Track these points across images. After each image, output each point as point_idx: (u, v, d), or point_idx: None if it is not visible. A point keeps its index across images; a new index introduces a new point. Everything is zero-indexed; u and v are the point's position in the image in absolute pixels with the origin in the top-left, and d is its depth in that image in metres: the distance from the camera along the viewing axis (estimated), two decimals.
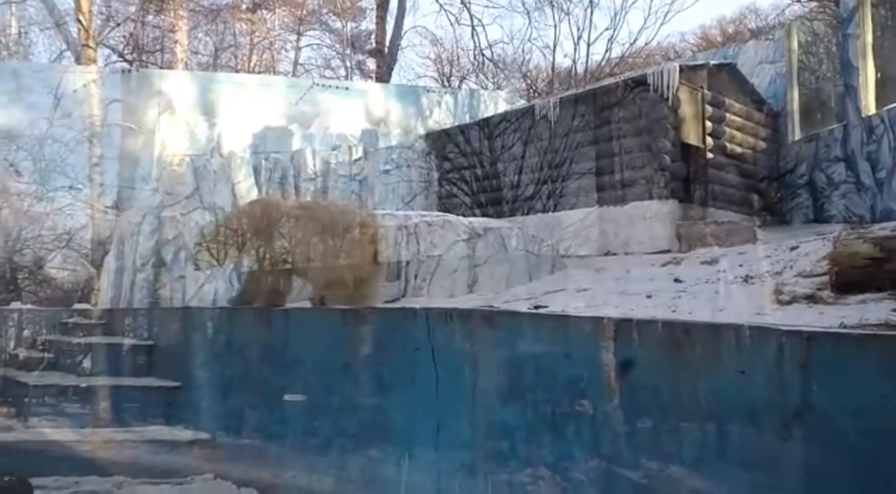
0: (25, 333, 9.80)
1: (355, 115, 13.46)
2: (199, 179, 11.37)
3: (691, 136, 10.82)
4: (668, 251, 10.17)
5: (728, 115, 11.55)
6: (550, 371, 4.00)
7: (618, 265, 9.61)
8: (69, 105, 11.51)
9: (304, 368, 6.31)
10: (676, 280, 7.72)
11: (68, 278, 12.19)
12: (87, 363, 8.12)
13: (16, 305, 10.38)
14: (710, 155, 11.13)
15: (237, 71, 21.76)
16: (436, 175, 14.15)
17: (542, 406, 4.00)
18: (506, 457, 4.19)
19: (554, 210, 11.73)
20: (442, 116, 14.48)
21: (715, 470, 3.17)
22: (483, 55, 21.51)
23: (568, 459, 3.83)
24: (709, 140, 11.12)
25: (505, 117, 12.80)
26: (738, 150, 11.86)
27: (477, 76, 23.55)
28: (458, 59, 23.98)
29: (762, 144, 12.53)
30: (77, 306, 9.87)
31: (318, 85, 13.77)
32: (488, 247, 9.56)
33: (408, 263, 9.47)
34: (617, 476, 3.57)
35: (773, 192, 12.47)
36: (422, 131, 13.97)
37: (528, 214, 12.15)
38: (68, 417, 7.38)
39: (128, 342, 8.32)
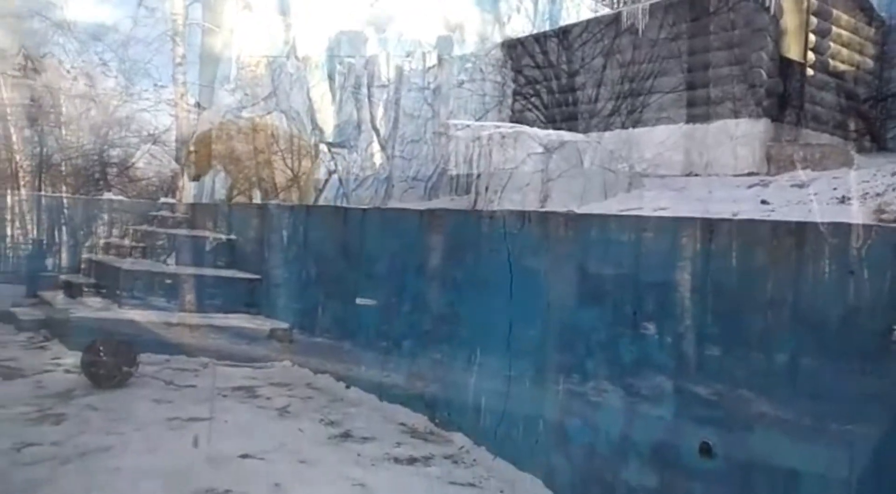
0: (116, 223, 10.37)
1: (431, 20, 13.03)
2: (275, 81, 11.40)
3: (792, 49, 10.01)
4: (756, 174, 9.67)
5: (834, 28, 10.60)
6: (632, 274, 3.93)
7: (700, 186, 9.23)
8: (152, 2, 11.59)
9: (379, 266, 6.44)
10: (763, 202, 7.36)
11: (155, 175, 12.73)
12: (173, 254, 8.54)
13: (108, 196, 10.93)
14: (810, 72, 10.31)
15: None
16: (510, 89, 13.73)
17: (620, 309, 3.96)
18: (581, 358, 4.22)
19: (634, 127, 11.25)
20: (521, 24, 13.87)
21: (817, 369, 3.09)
22: None
23: (646, 364, 3.81)
24: (810, 55, 10.27)
25: (587, 27, 12.14)
26: (842, 67, 10.93)
27: None
28: None
29: (868, 63, 11.50)
30: (163, 200, 10.33)
31: None
32: (563, 162, 9.30)
33: (479, 175, 9.36)
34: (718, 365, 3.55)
35: (874, 115, 11.55)
36: (498, 40, 13.46)
37: (605, 131, 11.69)
38: (157, 302, 7.85)
39: (211, 235, 8.68)
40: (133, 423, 5.02)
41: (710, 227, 3.53)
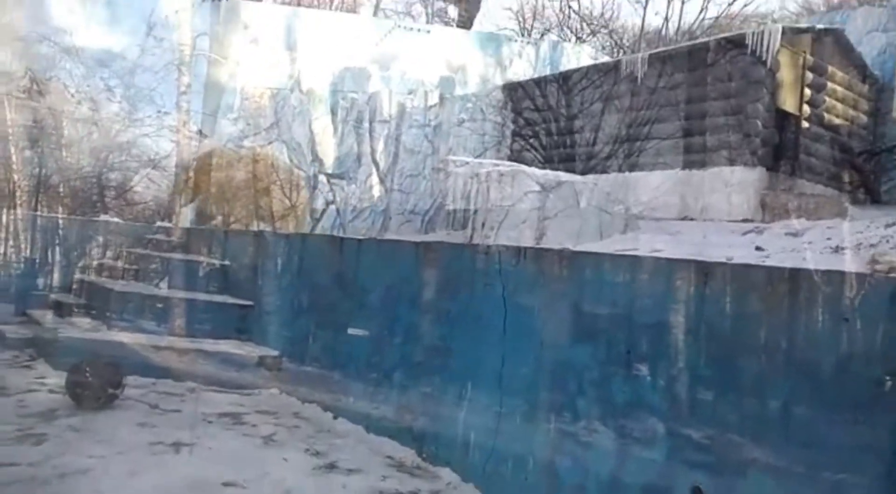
0: (111, 245, 10.34)
1: (434, 60, 13.29)
2: (278, 113, 11.55)
3: (787, 102, 10.23)
4: (751, 221, 9.76)
5: (829, 83, 10.86)
6: (625, 314, 3.93)
7: (695, 230, 9.31)
8: (161, 32, 11.79)
9: (373, 296, 6.42)
10: (758, 248, 7.42)
11: (152, 199, 12.75)
12: (166, 278, 8.51)
13: (104, 218, 10.93)
14: (805, 124, 10.52)
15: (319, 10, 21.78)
16: (509, 130, 13.93)
17: (614, 349, 3.95)
18: (572, 396, 4.18)
19: (631, 171, 11.39)
20: (522, 68, 14.14)
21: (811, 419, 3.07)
22: (570, 7, 20.79)
23: (638, 405, 3.78)
24: (805, 108, 10.50)
25: (586, 73, 12.39)
26: (836, 121, 11.17)
27: (561, 30, 22.83)
28: (542, 10, 23.25)
29: (862, 118, 11.75)
30: (159, 224, 10.33)
31: (399, 27, 13.64)
32: (560, 201, 9.39)
33: (476, 211, 9.43)
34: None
35: (868, 169, 11.73)
36: (500, 82, 13.71)
37: (602, 174, 11.82)
38: (147, 325, 7.79)
39: (205, 260, 8.66)
40: (115, 446, 4.92)
41: (705, 270, 3.55)
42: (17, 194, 14.01)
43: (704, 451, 3.43)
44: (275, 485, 4.54)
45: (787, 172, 10.37)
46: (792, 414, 3.19)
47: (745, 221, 9.60)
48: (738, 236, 8.59)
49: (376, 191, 12.32)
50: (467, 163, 9.84)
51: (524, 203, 9.16)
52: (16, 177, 14.06)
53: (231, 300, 8.21)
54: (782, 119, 10.28)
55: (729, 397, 3.40)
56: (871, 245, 5.91)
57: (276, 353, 7.46)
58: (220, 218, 10.38)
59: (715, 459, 3.37)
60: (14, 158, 14.19)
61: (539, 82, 13.28)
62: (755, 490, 3.24)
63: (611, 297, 4.06)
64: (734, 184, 10.04)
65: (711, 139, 10.29)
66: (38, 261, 11.60)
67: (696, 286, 3.57)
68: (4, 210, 13.75)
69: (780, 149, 10.34)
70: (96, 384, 5.79)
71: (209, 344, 7.53)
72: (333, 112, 12.20)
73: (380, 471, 5.16)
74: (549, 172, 9.73)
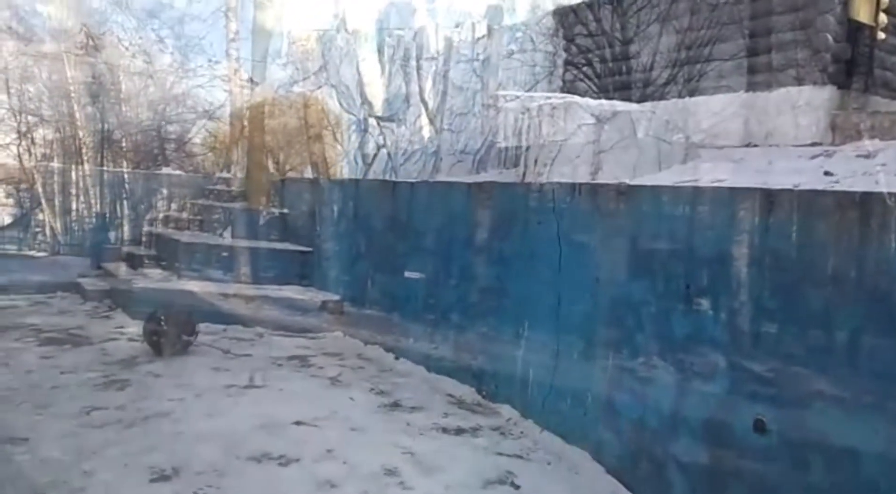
0: (174, 197, 10.71)
1: None
2: (325, 55, 11.46)
3: (861, 12, 9.45)
4: (819, 144, 9.23)
5: None
6: (685, 247, 3.84)
7: (759, 157, 8.87)
8: None
9: (427, 239, 6.47)
10: (827, 173, 7.02)
11: (210, 150, 13.05)
12: (228, 227, 8.77)
13: (166, 171, 11.28)
14: (881, 35, 9.73)
15: None
16: (561, 60, 13.40)
17: (673, 283, 3.88)
18: (631, 332, 4.16)
19: (691, 96, 10.84)
20: None
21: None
22: None
23: (698, 339, 3.73)
24: (882, 17, 9.68)
25: None
26: None
27: None
28: None
29: None
30: (219, 175, 10.58)
31: None
32: (616, 132, 9.05)
33: (528, 148, 9.23)
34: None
35: None
36: (550, 8, 13.13)
37: (660, 100, 11.31)
38: (214, 274, 8.10)
39: (265, 209, 8.87)
40: (192, 389, 5.23)
41: (769, 198, 3.40)
42: (84, 150, 14.54)
43: (768, 384, 3.38)
44: (342, 423, 4.75)
45: (859, 89, 9.68)
46: (861, 344, 3.08)
47: (813, 144, 9.09)
48: (806, 160, 8.15)
49: (426, 132, 12.20)
50: (518, 97, 9.58)
51: (578, 137, 8.88)
52: (81, 134, 14.56)
53: (291, 247, 8.43)
54: (855, 31, 9.52)
55: (794, 329, 3.30)
56: None
57: (337, 297, 7.67)
58: (275, 166, 10.54)
59: (779, 391, 3.31)
60: (77, 115, 14.66)
61: (592, 5, 12.65)
62: (821, 422, 3.18)
63: (669, 230, 3.96)
64: (802, 105, 9.44)
65: (777, 57, 9.65)
66: (107, 215, 12.14)
67: (760, 216, 3.43)
68: (73, 167, 14.33)
69: (853, 64, 9.64)
70: (172, 332, 6.11)
71: (273, 290, 7.80)
72: (380, 51, 12.02)
73: (441, 409, 5.32)
74: (603, 102, 9.37)
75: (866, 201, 3.17)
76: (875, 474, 2.87)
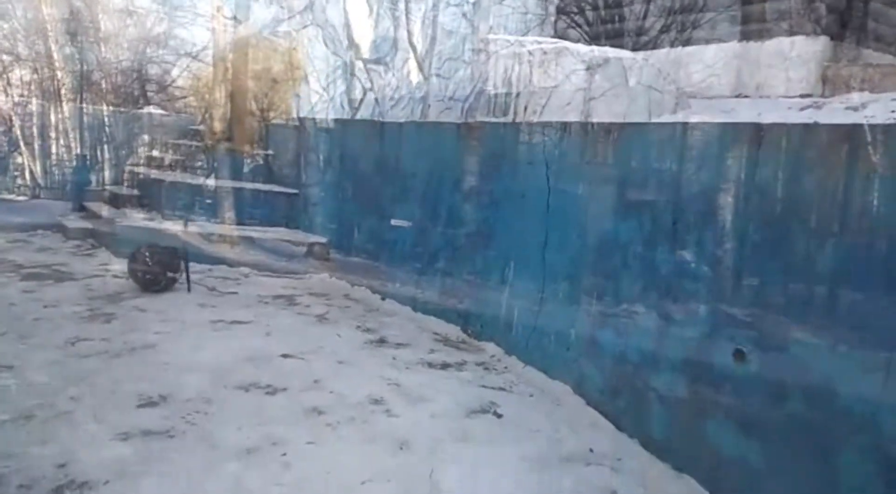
0: (157, 138, 10.49)
1: None
2: None
3: None
4: (810, 96, 9.20)
5: None
6: (674, 183, 3.83)
7: (749, 108, 8.83)
8: None
9: (415, 180, 6.42)
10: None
11: (194, 91, 12.75)
12: (213, 168, 8.65)
13: (147, 110, 11.03)
14: None
15: None
16: (553, 6, 13.12)
17: (660, 221, 3.89)
18: (618, 270, 4.20)
19: (684, 46, 10.70)
20: None
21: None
22: None
23: (682, 274, 3.77)
24: None
25: None
26: None
27: None
28: None
29: None
30: (202, 115, 10.37)
31: None
32: (607, 80, 8.94)
33: (518, 94, 9.12)
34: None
35: None
36: None
37: (653, 49, 11.14)
38: (198, 214, 8.02)
39: (250, 151, 8.74)
40: (179, 324, 5.23)
41: (760, 132, 3.38)
42: (62, 91, 14.17)
43: (748, 323, 3.42)
44: (329, 356, 4.80)
45: (852, 42, 9.62)
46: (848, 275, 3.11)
47: (803, 96, 9.07)
48: (796, 111, 8.15)
49: (414, 77, 11.97)
50: (509, 42, 9.42)
51: (569, 84, 8.79)
52: (59, 74, 14.16)
53: (277, 189, 8.35)
54: None
55: (781, 266, 3.32)
56: None
57: (324, 240, 7.64)
58: (259, 109, 10.33)
59: (759, 327, 3.36)
60: (55, 54, 14.23)
61: None
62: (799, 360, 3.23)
63: (659, 168, 3.95)
64: (794, 56, 9.36)
65: (771, 7, 9.53)
66: (88, 157, 11.91)
67: (749, 151, 3.41)
68: (52, 108, 13.98)
69: (847, 16, 9.55)
70: (157, 268, 6.07)
71: (259, 232, 7.75)
72: None
73: (427, 345, 5.38)
74: (595, 48, 9.21)
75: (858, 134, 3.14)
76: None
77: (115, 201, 8.97)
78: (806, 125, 3.33)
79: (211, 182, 8.41)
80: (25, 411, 3.49)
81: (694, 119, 6.53)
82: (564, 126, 4.90)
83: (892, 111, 7.31)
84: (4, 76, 14.69)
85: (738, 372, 3.29)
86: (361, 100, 11.46)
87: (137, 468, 3.06)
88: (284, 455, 3.30)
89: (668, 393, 3.78)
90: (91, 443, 3.25)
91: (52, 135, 14.15)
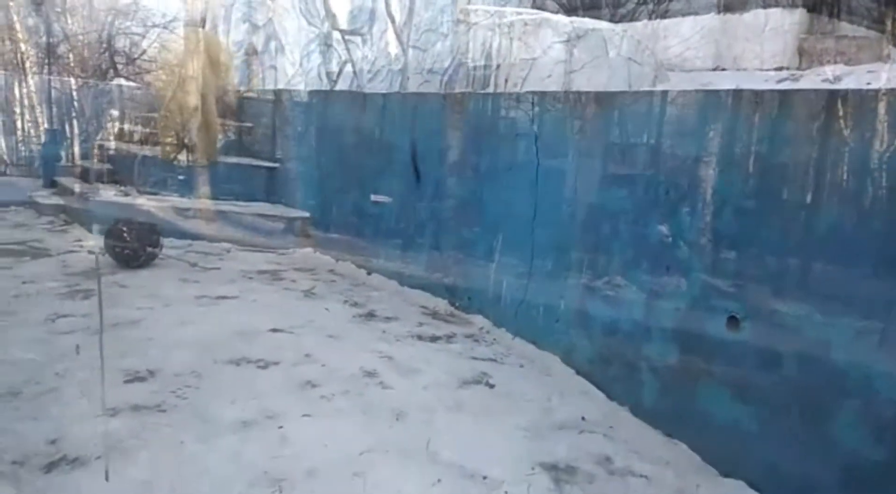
0: (128, 111, 10.21)
1: None
2: None
3: None
4: (786, 69, 9.28)
5: None
6: (667, 152, 3.84)
7: (726, 80, 8.88)
8: None
9: (399, 153, 6.35)
10: None
11: (164, 63, 12.39)
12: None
13: (116, 82, 10.70)
14: None
15: None
16: None
17: (652, 190, 3.90)
18: (607, 240, 4.21)
19: (662, 18, 10.69)
20: None
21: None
22: None
23: (673, 243, 3.79)
24: None
25: None
26: None
27: None
28: None
29: None
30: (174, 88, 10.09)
31: None
32: (587, 52, 8.92)
33: (498, 66, 9.04)
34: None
35: None
36: None
37: (630, 21, 11.12)
38: (174, 189, 7.86)
39: (227, 122, 8.55)
40: (161, 300, 5.14)
41: (756, 97, 3.39)
42: (27, 64, 13.68)
43: (742, 284, 3.46)
44: (319, 330, 4.76)
45: (828, 14, 9.70)
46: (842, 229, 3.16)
47: (779, 69, 9.15)
48: (773, 84, 8.22)
49: (392, 49, 11.79)
50: (489, 13, 9.31)
51: (549, 55, 8.74)
52: (23, 46, 13.66)
53: (256, 163, 8.21)
54: None
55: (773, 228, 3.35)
56: None
57: (306, 214, 7.55)
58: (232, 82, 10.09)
59: (751, 289, 3.39)
60: (18, 26, 13.70)
61: None
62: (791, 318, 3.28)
63: (647, 136, 3.95)
64: (771, 29, 9.44)
65: None
66: (57, 131, 11.55)
67: (740, 116, 3.42)
68: (16, 82, 13.49)
69: None
70: (135, 243, 5.94)
71: (239, 207, 7.62)
72: None
73: (416, 319, 5.38)
74: (576, 19, 9.17)
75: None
76: None
77: (87, 177, 8.74)
78: (795, 89, 3.34)
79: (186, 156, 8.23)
80: (13, 387, 3.41)
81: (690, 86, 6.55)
82: (552, 95, 4.87)
83: (868, 83, 7.43)
84: None
85: (731, 339, 3.34)
86: (339, 72, 11.27)
87: (130, 442, 3.01)
88: (281, 427, 3.28)
89: (659, 362, 3.83)
90: (80, 419, 3.19)
91: (17, 110, 13.69)
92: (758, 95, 3.38)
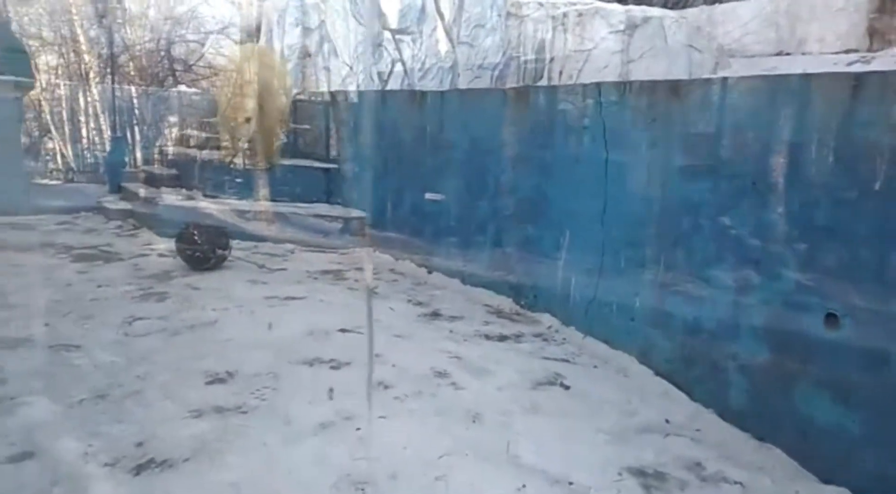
0: (189, 117, 10.45)
1: None
2: None
3: None
4: (856, 51, 8.84)
5: None
6: (752, 141, 3.66)
7: (792, 66, 8.55)
8: None
9: (459, 151, 6.29)
10: None
11: (222, 69, 12.64)
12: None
13: (176, 90, 10.97)
14: None
15: None
16: None
17: (737, 181, 3.73)
18: (687, 233, 4.06)
19: (719, 2, 10.34)
20: None
21: None
22: None
23: (763, 235, 3.62)
24: None
25: None
26: None
27: None
28: None
29: None
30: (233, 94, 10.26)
31: None
32: (645, 41, 8.69)
33: (551, 60, 8.89)
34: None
35: None
36: None
37: (687, 7, 10.80)
38: (237, 192, 7.98)
39: (285, 125, 8.64)
40: (234, 301, 5.21)
41: (857, 80, 3.18)
42: (90, 74, 14.15)
43: (841, 278, 3.28)
44: (385, 330, 4.74)
45: None
46: None
47: (849, 51, 8.72)
48: (842, 68, 7.85)
49: (442, 46, 11.74)
50: (541, 4, 9.16)
51: (605, 46, 8.54)
52: (86, 57, 14.14)
53: (315, 165, 8.27)
54: None
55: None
56: None
57: (364, 214, 7.57)
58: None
59: (854, 285, 3.21)
60: (81, 38, 14.18)
61: None
62: None
63: (730, 125, 3.78)
64: (839, 8, 9.00)
65: None
66: (120, 139, 11.91)
67: (840, 101, 3.22)
68: (81, 92, 13.97)
69: None
70: (206, 246, 6.05)
71: (300, 208, 7.69)
72: None
73: (481, 318, 5.31)
74: (632, 7, 8.95)
75: None
76: None
77: (152, 181, 8.96)
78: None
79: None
80: (98, 390, 3.49)
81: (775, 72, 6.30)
82: (622, 85, 4.72)
83: None
84: (32, 61, 14.73)
85: (830, 338, 3.16)
86: (390, 72, 11.30)
87: (217, 444, 3.03)
88: (359, 429, 3.26)
89: (748, 362, 3.66)
90: (166, 421, 3.24)
91: (82, 118, 14.20)
92: (857, 78, 3.18)
